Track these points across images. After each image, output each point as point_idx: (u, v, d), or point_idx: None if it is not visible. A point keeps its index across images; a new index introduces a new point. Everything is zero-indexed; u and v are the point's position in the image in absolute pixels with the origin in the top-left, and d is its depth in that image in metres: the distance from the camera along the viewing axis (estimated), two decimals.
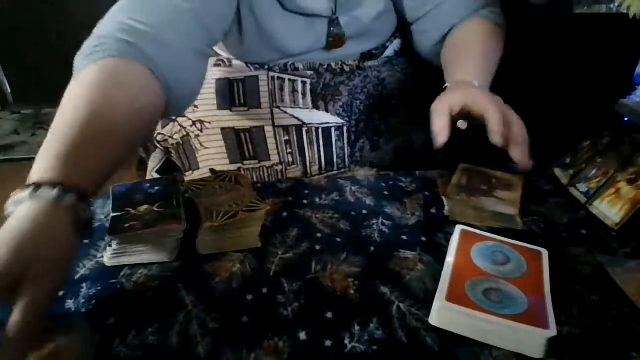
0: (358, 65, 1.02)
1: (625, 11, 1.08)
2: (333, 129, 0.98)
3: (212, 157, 0.92)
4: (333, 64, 1.00)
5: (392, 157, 1.01)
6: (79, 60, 0.67)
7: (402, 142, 1.01)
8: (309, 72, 0.99)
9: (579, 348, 0.57)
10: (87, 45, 0.68)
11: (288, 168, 0.98)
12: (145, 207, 0.73)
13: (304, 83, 0.99)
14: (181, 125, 0.92)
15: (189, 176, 0.94)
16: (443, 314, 0.56)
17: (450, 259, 0.63)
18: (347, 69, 1.01)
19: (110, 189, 0.76)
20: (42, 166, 0.51)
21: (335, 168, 1.00)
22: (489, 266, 0.62)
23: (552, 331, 0.53)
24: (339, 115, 0.99)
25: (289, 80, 0.98)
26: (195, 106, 0.91)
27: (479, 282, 0.59)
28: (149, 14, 0.68)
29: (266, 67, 0.99)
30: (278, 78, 0.97)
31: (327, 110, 0.98)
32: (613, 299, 0.64)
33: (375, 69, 1.01)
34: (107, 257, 0.69)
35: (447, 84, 0.82)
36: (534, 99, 1.38)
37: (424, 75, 1.03)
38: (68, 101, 0.59)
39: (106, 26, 0.69)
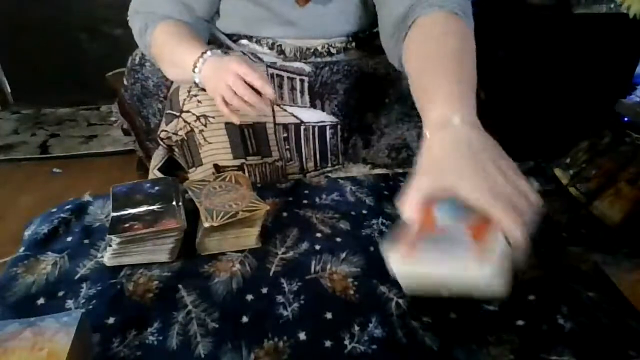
0: (345, 46, 1.03)
1: (625, 11, 1.08)
2: (328, 127, 1.01)
3: (216, 152, 0.93)
4: (319, 47, 1.01)
5: (386, 153, 1.04)
6: (141, 32, 0.97)
7: (393, 139, 1.03)
8: (307, 70, 1.00)
9: (578, 345, 0.57)
10: (137, 26, 0.99)
11: (287, 164, 1.00)
12: (145, 207, 0.73)
13: (302, 81, 1.00)
14: (185, 121, 0.93)
15: (192, 173, 0.95)
16: (394, 269, 0.53)
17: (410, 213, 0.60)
18: (333, 50, 1.03)
19: (111, 189, 0.76)
20: None
21: (329, 164, 1.03)
22: (447, 220, 0.59)
23: (489, 267, 0.47)
24: (334, 114, 1.01)
25: (288, 78, 1.00)
26: (199, 101, 0.92)
27: (432, 235, 0.56)
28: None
29: (254, 39, 1.02)
30: (277, 75, 0.99)
31: (323, 109, 1.00)
32: (611, 298, 0.64)
33: (372, 67, 1.02)
34: (107, 257, 0.69)
35: (425, 131, 0.64)
36: (534, 98, 1.38)
37: None
38: (172, 42, 0.92)
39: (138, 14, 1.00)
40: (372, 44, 1.05)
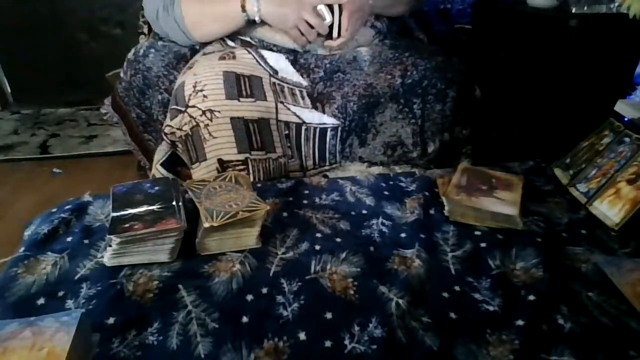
0: None
1: (625, 11, 1.08)
2: (329, 129, 1.02)
3: (221, 146, 0.93)
4: None
5: (381, 151, 1.05)
6: (166, 7, 1.06)
7: (388, 137, 1.05)
8: (304, 84, 1.04)
9: (578, 345, 0.57)
10: (153, 6, 1.08)
11: (289, 161, 1.02)
12: (145, 207, 0.73)
13: (300, 91, 1.03)
14: (191, 116, 0.93)
15: (196, 168, 0.95)
16: None
17: None
18: None
19: (110, 189, 0.76)
20: None
21: (327, 163, 1.05)
22: None
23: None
24: (334, 116, 1.03)
25: (288, 88, 1.02)
26: (205, 96, 0.92)
27: None
28: None
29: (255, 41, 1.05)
30: (278, 85, 1.01)
31: (323, 112, 1.02)
32: (611, 298, 0.64)
33: (362, 79, 1.04)
34: (107, 257, 0.69)
35: None
36: (535, 98, 1.38)
37: (410, 75, 1.04)
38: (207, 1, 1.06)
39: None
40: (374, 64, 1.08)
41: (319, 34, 1.03)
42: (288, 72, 1.03)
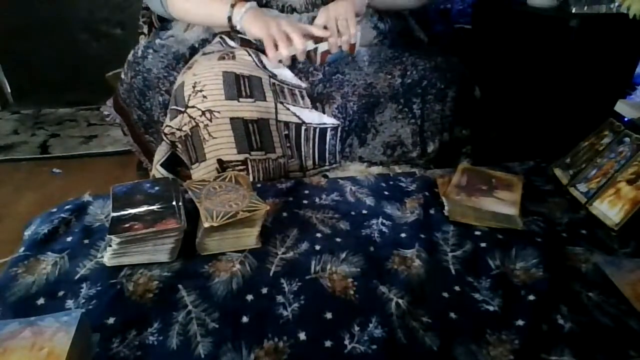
0: None
1: (625, 11, 1.08)
2: (329, 129, 1.02)
3: (220, 147, 0.93)
4: None
5: (381, 151, 1.05)
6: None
7: (388, 137, 1.05)
8: (303, 85, 1.04)
9: (578, 345, 0.57)
10: None
11: (289, 161, 1.02)
12: (145, 207, 0.73)
13: (300, 92, 1.03)
14: (190, 116, 0.93)
15: (195, 169, 0.95)
16: None
17: None
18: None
19: (111, 189, 0.76)
20: None
21: (327, 163, 1.05)
22: None
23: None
24: (334, 116, 1.03)
25: (288, 88, 1.02)
26: (204, 96, 0.92)
27: None
28: None
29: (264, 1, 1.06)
30: (278, 85, 1.01)
31: (323, 112, 1.02)
32: (611, 298, 0.64)
33: (362, 79, 1.04)
34: (107, 257, 0.69)
35: None
36: (535, 98, 1.38)
37: (409, 74, 1.04)
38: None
39: None
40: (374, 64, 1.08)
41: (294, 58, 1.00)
42: (286, 76, 1.03)
